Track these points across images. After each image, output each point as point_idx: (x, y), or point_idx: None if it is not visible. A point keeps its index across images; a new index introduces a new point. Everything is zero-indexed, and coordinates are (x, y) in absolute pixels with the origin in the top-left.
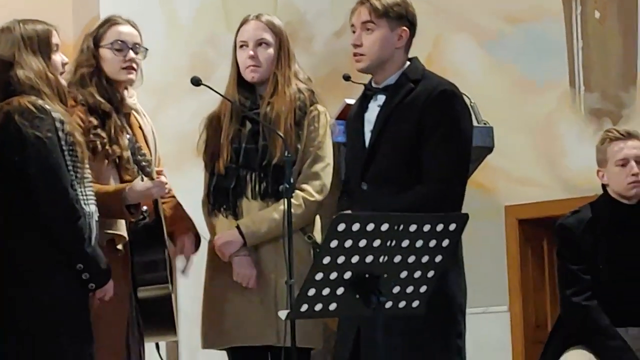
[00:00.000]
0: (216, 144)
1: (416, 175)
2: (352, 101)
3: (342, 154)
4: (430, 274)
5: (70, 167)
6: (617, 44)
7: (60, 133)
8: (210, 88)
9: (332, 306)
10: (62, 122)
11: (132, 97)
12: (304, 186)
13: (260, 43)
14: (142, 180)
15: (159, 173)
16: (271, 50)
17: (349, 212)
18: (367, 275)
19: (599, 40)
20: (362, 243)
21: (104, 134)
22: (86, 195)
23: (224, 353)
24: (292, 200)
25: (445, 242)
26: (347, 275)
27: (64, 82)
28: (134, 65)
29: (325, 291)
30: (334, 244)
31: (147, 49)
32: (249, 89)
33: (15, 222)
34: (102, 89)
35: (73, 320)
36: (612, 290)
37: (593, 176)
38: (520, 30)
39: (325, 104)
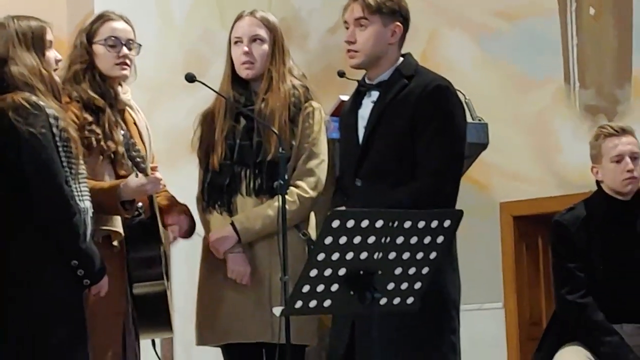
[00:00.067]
0: (210, 140)
1: (410, 171)
2: (346, 97)
3: (337, 150)
4: (425, 270)
5: (64, 164)
6: (612, 40)
7: (54, 129)
8: (205, 84)
9: (327, 303)
10: (56, 119)
11: (126, 93)
12: (299, 183)
13: (254, 39)
14: (137, 176)
15: (154, 169)
16: (265, 47)
17: (343, 208)
18: (361, 272)
19: (594, 37)
20: (357, 240)
21: (98, 130)
22: (81, 191)
23: (219, 350)
24: (287, 196)
25: (440, 239)
26: (342, 271)
27: (57, 79)
28: (127, 62)
29: (320, 288)
30: (328, 240)
31: (140, 45)
32: (244, 85)
33: (10, 219)
34: (95, 85)
35: (68, 319)
36: (607, 286)
37: (588, 173)
38: (514, 27)
39: (319, 100)
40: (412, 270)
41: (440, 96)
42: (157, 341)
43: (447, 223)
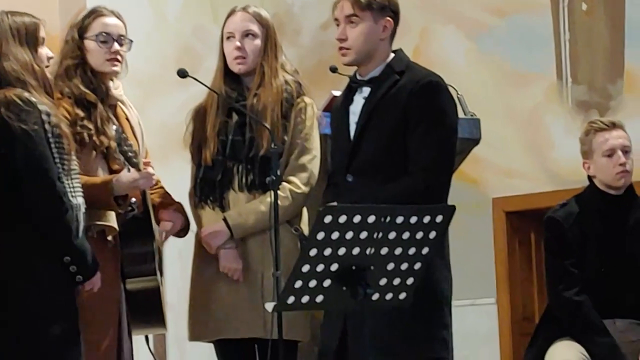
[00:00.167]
0: (203, 135)
1: (401, 166)
2: (338, 93)
3: (329, 146)
4: (417, 265)
5: (57, 160)
6: (604, 35)
7: (46, 125)
8: (197, 80)
9: (319, 298)
10: (48, 115)
11: (118, 88)
12: (291, 178)
13: (247, 34)
14: (129, 171)
15: (146, 164)
16: (258, 42)
17: (335, 204)
18: (354, 267)
19: (586, 32)
20: (349, 235)
21: (90, 125)
22: (73, 187)
23: (212, 345)
24: (279, 192)
25: (432, 234)
26: (334, 267)
27: (49, 75)
28: (119, 58)
29: (312, 283)
30: (320, 235)
31: (132, 41)
32: (236, 81)
33: (2, 216)
34: (87, 81)
35: (61, 315)
36: (601, 282)
37: (580, 168)
38: (507, 23)
39: (312, 95)
40: (404, 266)
41: (432, 92)
42: (150, 337)
43: (439, 218)
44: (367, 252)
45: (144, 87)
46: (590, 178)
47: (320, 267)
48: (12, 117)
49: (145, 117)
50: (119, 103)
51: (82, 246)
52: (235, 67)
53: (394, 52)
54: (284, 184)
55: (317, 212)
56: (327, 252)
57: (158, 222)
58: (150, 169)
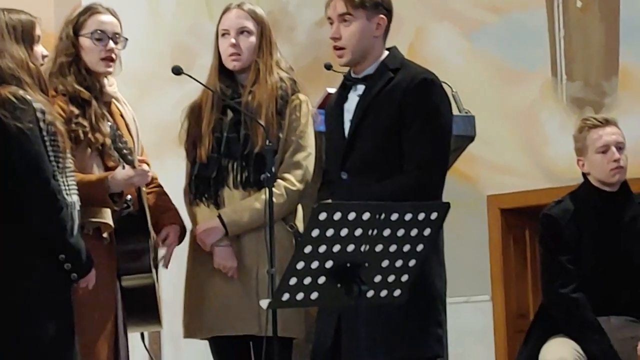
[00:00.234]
0: (198, 133)
1: (396, 164)
2: (333, 90)
3: (324, 143)
4: (412, 262)
5: (52, 158)
6: (599, 32)
7: (41, 123)
8: (191, 77)
9: (314, 295)
10: (43, 112)
11: (112, 85)
12: (286, 175)
13: (242, 31)
14: (124, 168)
15: (142, 162)
16: (253, 39)
17: (330, 201)
18: (348, 265)
19: (581, 29)
20: (344, 232)
21: (85, 123)
22: (68, 185)
23: (207, 342)
24: (274, 189)
25: (427, 231)
26: (329, 264)
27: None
28: (113, 56)
29: (307, 280)
30: (315, 233)
31: (127, 39)
32: (231, 78)
33: None
34: (81, 78)
35: (56, 313)
36: (596, 279)
37: (575, 165)
38: (502, 20)
39: (307, 93)
40: (399, 263)
41: (426, 89)
42: (145, 334)
43: (434, 215)
44: (362, 249)
45: (138, 85)
46: (584, 175)
47: (314, 264)
48: (7, 115)
49: (140, 114)
50: (114, 100)
51: (77, 244)
52: (230, 64)
53: (388, 49)
54: (279, 181)
55: (312, 210)
56: (322, 249)
57: (154, 224)
58: (144, 166)
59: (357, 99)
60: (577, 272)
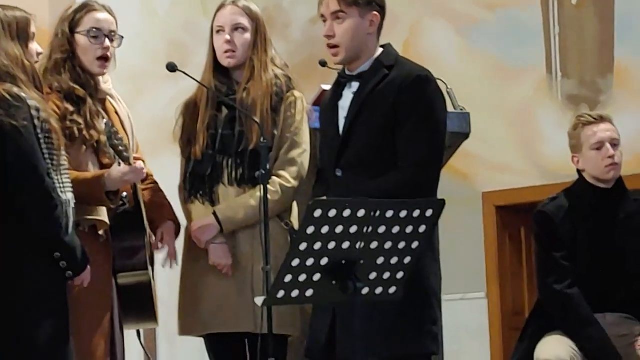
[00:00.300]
0: (192, 129)
1: (390, 161)
2: (328, 87)
3: (319, 140)
4: (407, 260)
5: (46, 155)
6: (594, 29)
7: (36, 121)
8: (186, 74)
9: (309, 292)
10: (37, 110)
11: (107, 82)
12: (281, 172)
13: (236, 28)
14: (120, 165)
15: (137, 159)
16: (248, 35)
17: (325, 198)
18: (343, 262)
19: (576, 26)
20: (339, 229)
21: (80, 120)
22: (63, 183)
23: (202, 340)
24: (269, 186)
25: (422, 228)
26: (324, 261)
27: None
28: (108, 54)
29: (302, 277)
30: (310, 230)
31: (122, 37)
32: (226, 75)
33: None
34: (75, 75)
35: (51, 311)
36: (591, 276)
37: (570, 162)
38: (497, 16)
39: (302, 89)
40: (394, 260)
41: (421, 87)
42: (141, 332)
43: (429, 212)
44: (357, 246)
45: (133, 82)
46: (579, 172)
47: (310, 261)
48: (2, 112)
49: (135, 111)
50: (108, 97)
51: (72, 242)
52: (225, 61)
53: (382, 46)
54: (274, 178)
55: (307, 207)
56: (317, 246)
57: (149, 222)
58: (139, 164)
59: (351, 96)
60: (572, 269)
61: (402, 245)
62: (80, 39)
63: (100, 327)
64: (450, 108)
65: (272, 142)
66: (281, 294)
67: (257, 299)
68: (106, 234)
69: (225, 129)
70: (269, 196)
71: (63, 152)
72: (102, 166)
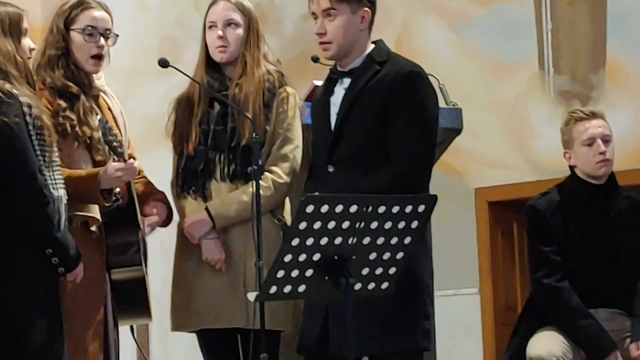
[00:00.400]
0: (185, 125)
1: (382, 157)
2: (320, 83)
3: (311, 136)
4: (399, 255)
5: (38, 152)
6: (586, 25)
7: (27, 118)
8: (178, 69)
9: (301, 288)
10: (29, 106)
11: (100, 78)
12: (273, 168)
13: (229, 23)
14: (114, 160)
15: (130, 156)
16: (240, 31)
17: (317, 193)
18: (336, 257)
19: (568, 22)
20: (331, 225)
21: (73, 116)
22: (54, 179)
23: (195, 335)
24: (261, 182)
25: (414, 224)
26: (316, 257)
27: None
28: (103, 53)
29: (294, 273)
30: (302, 225)
31: (117, 35)
32: (218, 71)
33: None
34: (69, 72)
35: (44, 308)
36: (583, 271)
37: (562, 158)
38: (489, 12)
39: (294, 85)
40: (386, 255)
41: (412, 83)
42: (134, 327)
43: (421, 208)
44: (350, 241)
45: (126, 78)
46: (571, 168)
47: (302, 257)
48: None
49: (127, 107)
50: (101, 93)
51: (64, 238)
52: (217, 56)
53: (374, 42)
54: (266, 173)
55: (299, 202)
56: (310, 241)
57: (142, 214)
58: (134, 162)
59: (343, 92)
60: (563, 264)
61: (394, 240)
62: (75, 37)
63: (94, 323)
64: (442, 104)
65: (264, 138)
66: (273, 289)
67: (250, 294)
68: (99, 229)
69: (218, 124)
70: (261, 192)
71: (55, 149)
72: (95, 163)
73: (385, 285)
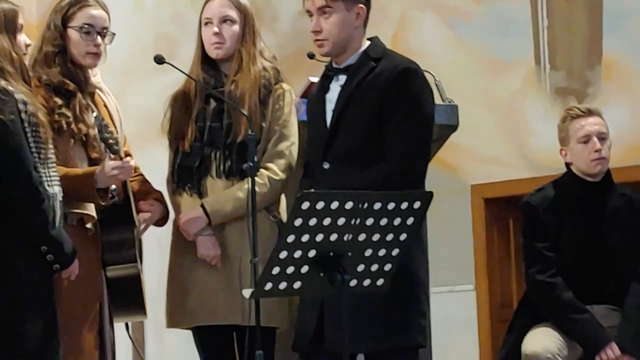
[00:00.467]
0: (181, 122)
1: (378, 153)
2: (316, 79)
3: (307, 133)
4: (395, 252)
5: (33, 149)
6: (582, 22)
7: (23, 115)
8: (174, 66)
9: (297, 285)
10: (25, 103)
11: (96, 75)
12: (269, 165)
13: (225, 20)
14: (110, 158)
15: (126, 154)
16: (236, 27)
17: (313, 190)
18: (331, 254)
19: (564, 19)
20: (327, 221)
21: (69, 113)
22: (50, 176)
23: (190, 332)
24: (257, 179)
25: (410, 220)
26: (312, 253)
27: (27, 61)
28: (99, 51)
29: (290, 270)
30: (298, 222)
31: (114, 34)
32: (214, 67)
33: None
34: (65, 69)
35: (40, 305)
36: (577, 268)
37: (558, 155)
38: (485, 9)
39: (290, 82)
40: (382, 252)
41: (408, 79)
42: (129, 324)
43: (417, 205)
44: (345, 238)
45: (122, 74)
46: (567, 165)
47: (297, 254)
48: None
49: (124, 104)
50: (97, 90)
51: (58, 235)
52: (213, 53)
53: (369, 39)
54: (262, 170)
55: (295, 199)
56: (305, 238)
57: (138, 212)
58: (130, 160)
59: (339, 89)
60: (557, 260)
61: (390, 237)
62: (72, 34)
63: (89, 320)
64: (438, 100)
65: (260, 135)
66: (269, 286)
67: (245, 291)
68: (95, 227)
69: (214, 121)
70: (256, 189)
71: (50, 146)
72: (91, 160)
73: (380, 281)
